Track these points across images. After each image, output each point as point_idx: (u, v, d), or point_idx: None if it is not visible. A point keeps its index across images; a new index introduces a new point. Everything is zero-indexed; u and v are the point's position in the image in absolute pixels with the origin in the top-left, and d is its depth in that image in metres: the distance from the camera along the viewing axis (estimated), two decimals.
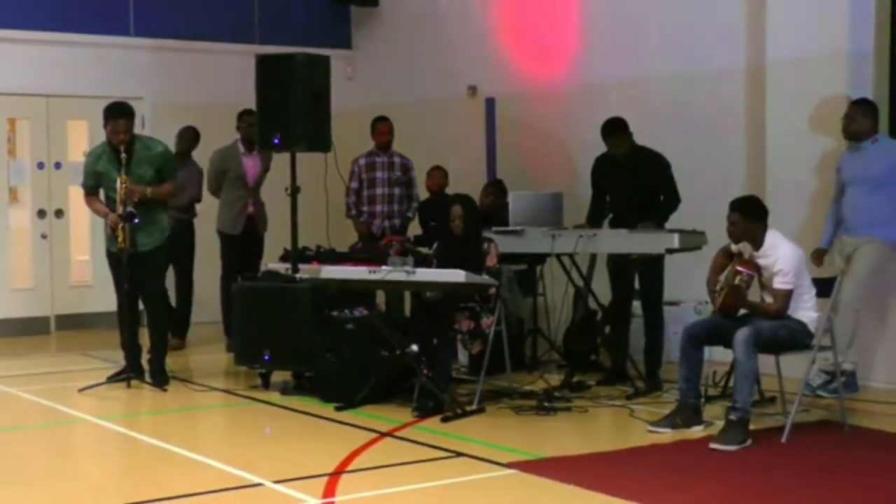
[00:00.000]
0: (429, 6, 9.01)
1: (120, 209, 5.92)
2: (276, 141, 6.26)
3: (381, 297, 6.95)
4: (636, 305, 6.23)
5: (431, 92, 8.93)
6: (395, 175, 7.42)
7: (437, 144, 8.63)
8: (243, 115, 7.41)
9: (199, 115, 8.51)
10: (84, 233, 9.03)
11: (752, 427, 4.82)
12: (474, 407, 5.50)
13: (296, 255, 6.40)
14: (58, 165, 8.94)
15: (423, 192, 7.95)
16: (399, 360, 5.63)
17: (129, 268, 6.05)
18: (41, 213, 8.89)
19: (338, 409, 5.60)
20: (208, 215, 7.85)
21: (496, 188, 7.44)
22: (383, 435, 5.01)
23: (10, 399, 6.11)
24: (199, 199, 7.71)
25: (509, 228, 6.41)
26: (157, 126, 8.64)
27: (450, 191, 7.53)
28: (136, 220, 5.93)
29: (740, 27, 6.74)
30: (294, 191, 6.31)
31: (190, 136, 7.68)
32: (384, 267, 5.67)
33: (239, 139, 7.54)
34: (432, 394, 5.48)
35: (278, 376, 6.34)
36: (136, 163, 6.05)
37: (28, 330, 8.70)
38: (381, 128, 7.41)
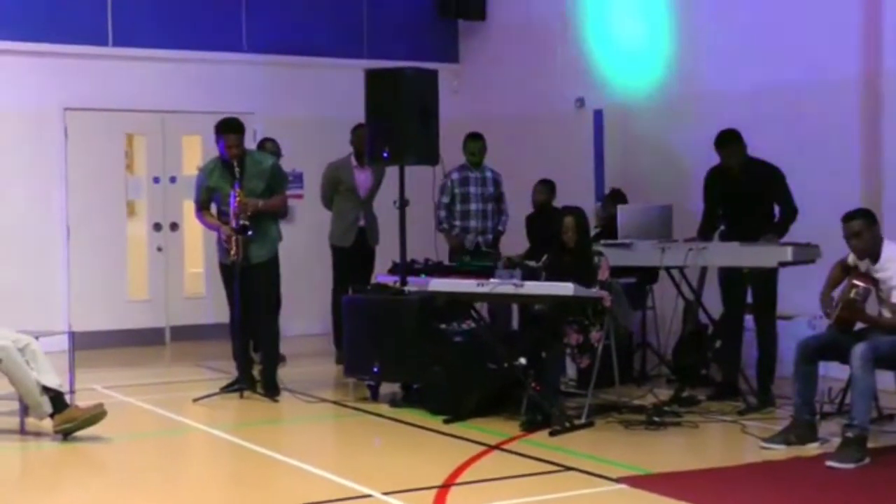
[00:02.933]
0: (536, 19, 8.96)
1: (233, 222, 5.99)
2: (385, 154, 6.29)
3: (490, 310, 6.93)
4: (748, 319, 6.12)
5: (538, 104, 8.89)
6: (487, 191, 7.39)
7: (544, 158, 8.59)
8: (356, 129, 7.33)
9: (309, 129, 8.69)
10: (197, 246, 9.08)
11: (869, 445, 4.72)
12: (583, 421, 5.44)
13: (404, 268, 6.40)
14: (173, 180, 9.05)
15: (528, 206, 7.93)
16: (507, 373, 5.59)
17: (242, 279, 6.11)
18: (157, 227, 9.01)
19: (446, 421, 5.58)
20: (322, 228, 7.85)
21: (613, 199, 7.38)
22: (491, 448, 4.98)
23: (128, 408, 6.20)
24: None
25: (618, 241, 6.37)
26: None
27: (557, 204, 7.51)
28: (251, 233, 5.99)
29: (856, 35, 6.62)
30: (402, 204, 6.31)
31: (270, 149, 7.58)
32: (492, 280, 5.67)
33: (352, 153, 7.59)
34: (540, 407, 5.44)
35: (387, 388, 6.33)
36: (248, 177, 6.11)
37: (144, 341, 8.81)
38: (473, 147, 7.41)
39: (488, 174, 7.43)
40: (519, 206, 7.91)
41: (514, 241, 7.73)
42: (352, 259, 7.45)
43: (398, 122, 6.21)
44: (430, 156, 6.39)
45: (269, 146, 7.46)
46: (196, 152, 8.95)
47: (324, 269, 7.81)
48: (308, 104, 9.15)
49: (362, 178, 7.53)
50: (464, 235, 7.32)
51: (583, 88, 8.50)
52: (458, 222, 7.33)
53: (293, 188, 8.64)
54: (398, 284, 6.35)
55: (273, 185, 6.27)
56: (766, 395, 5.89)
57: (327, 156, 7.85)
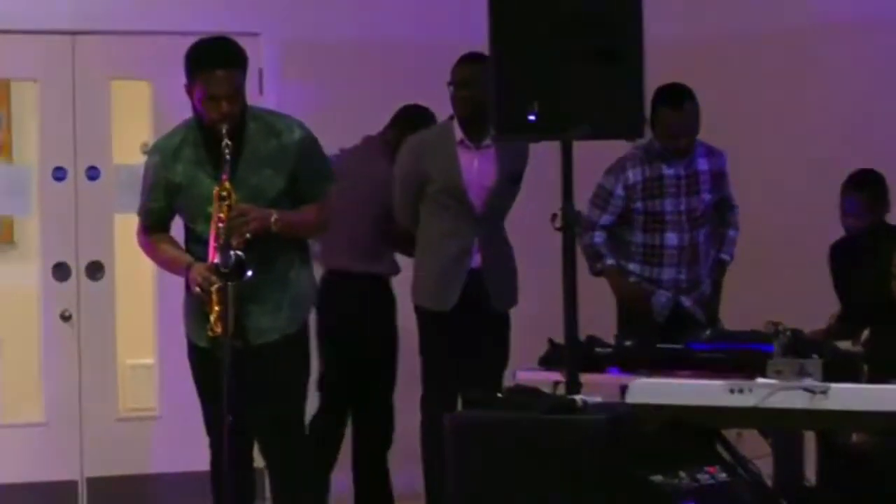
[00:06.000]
0: None
1: (215, 255, 5.03)
2: (531, 117, 5.28)
3: (755, 441, 5.87)
4: None
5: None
6: (700, 202, 6.55)
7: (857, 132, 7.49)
8: (463, 68, 6.31)
9: (369, 65, 7.42)
10: (145, 307, 7.70)
11: None
12: None
13: (574, 355, 5.40)
14: (93, 173, 7.48)
15: (825, 224, 6.81)
16: None
17: (236, 379, 5.11)
18: (59, 270, 7.45)
19: None
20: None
21: None
22: None
23: None
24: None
25: None
26: (288, 87, 7.47)
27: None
28: (250, 273, 4.98)
29: None
30: (570, 220, 5.37)
31: (395, 138, 6.54)
32: (760, 380, 5.01)
33: (452, 119, 6.45)
34: None
35: None
36: (251, 162, 5.13)
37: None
38: (675, 118, 6.46)
39: (700, 162, 6.52)
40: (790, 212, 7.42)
41: (782, 288, 7.22)
42: (460, 335, 6.41)
43: (557, 55, 5.34)
44: (625, 121, 5.39)
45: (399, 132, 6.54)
46: (141, 117, 7.59)
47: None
48: (362, 17, 7.74)
49: (477, 167, 6.48)
50: (649, 290, 6.59)
51: None
52: (636, 265, 6.58)
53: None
54: (562, 390, 5.55)
55: (302, 182, 5.30)
56: None
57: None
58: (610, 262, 6.64)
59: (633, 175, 6.55)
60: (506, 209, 6.66)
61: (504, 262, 6.63)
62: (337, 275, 6.98)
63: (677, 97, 6.57)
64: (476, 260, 6.48)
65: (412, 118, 7.01)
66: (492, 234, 6.64)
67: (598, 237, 6.60)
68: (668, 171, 6.53)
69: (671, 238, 6.57)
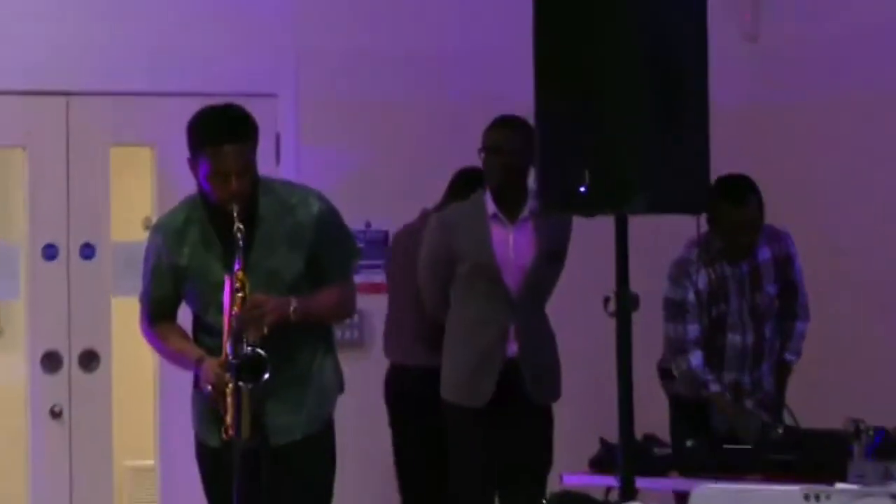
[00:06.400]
0: None
1: (228, 348, 5.01)
2: (582, 189, 5.37)
3: None
4: None
5: None
6: (764, 300, 6.68)
7: None
8: (496, 132, 6.36)
9: (394, 124, 7.41)
10: (145, 402, 7.60)
11: None
12: None
13: (628, 458, 5.38)
14: (87, 251, 7.39)
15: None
16: None
17: (251, 484, 5.13)
18: (49, 361, 7.37)
19: None
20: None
21: None
22: None
23: None
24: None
25: None
26: (308, 153, 7.49)
27: None
28: (266, 375, 4.94)
29: None
30: (625, 303, 5.48)
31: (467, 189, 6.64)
32: (839, 485, 4.84)
33: (484, 192, 6.54)
34: None
35: None
36: (265, 244, 5.10)
37: None
38: (737, 216, 6.56)
39: (762, 252, 6.50)
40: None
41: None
42: (496, 433, 6.46)
43: (612, 117, 5.34)
44: (687, 193, 5.42)
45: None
46: (143, 188, 7.54)
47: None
48: (390, 75, 7.71)
49: (512, 244, 6.45)
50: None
51: None
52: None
53: (369, 269, 7.24)
54: (616, 497, 5.60)
55: (323, 261, 5.26)
56: None
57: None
58: (715, 388, 6.45)
59: (698, 280, 6.51)
60: (546, 291, 6.53)
61: (545, 351, 6.50)
62: (401, 370, 6.97)
63: (739, 192, 6.44)
64: (512, 348, 6.37)
65: (472, 184, 6.98)
66: (531, 320, 6.48)
67: (696, 359, 6.44)
68: (728, 270, 6.49)
69: (734, 339, 6.52)
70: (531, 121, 5.80)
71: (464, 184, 6.90)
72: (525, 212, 6.26)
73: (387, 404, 7.13)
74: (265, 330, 5.04)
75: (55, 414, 7.38)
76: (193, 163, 5.14)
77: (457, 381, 6.43)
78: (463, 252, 6.39)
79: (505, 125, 6.38)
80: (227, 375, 5.01)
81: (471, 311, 6.43)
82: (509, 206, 6.37)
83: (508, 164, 6.27)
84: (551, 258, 6.43)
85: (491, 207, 6.38)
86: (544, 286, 6.47)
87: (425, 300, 6.62)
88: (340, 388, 5.41)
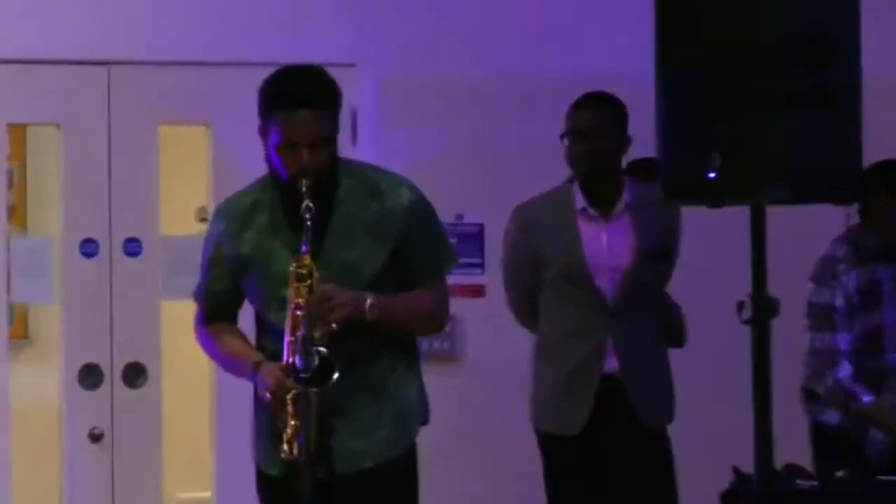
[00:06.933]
0: None
1: (288, 353, 5.06)
2: (710, 172, 5.36)
3: None
4: None
5: None
6: None
7: None
8: (585, 108, 6.48)
9: (489, 102, 7.55)
10: (199, 419, 7.69)
11: None
12: None
13: (768, 487, 5.35)
14: (132, 247, 7.51)
15: None
16: None
17: None
18: (88, 374, 7.41)
19: None
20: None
21: None
22: None
23: None
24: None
25: None
26: (390, 135, 7.43)
27: None
28: (335, 377, 5.00)
29: None
30: (762, 313, 5.43)
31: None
32: None
33: (572, 178, 6.60)
34: None
35: None
36: (343, 231, 5.17)
37: None
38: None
39: None
40: None
41: None
42: (598, 464, 6.56)
43: (746, 93, 5.30)
44: (835, 180, 5.37)
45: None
46: (197, 173, 7.57)
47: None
48: (489, 46, 7.83)
49: (606, 243, 6.49)
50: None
51: None
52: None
53: (466, 267, 7.39)
54: None
55: (410, 262, 5.30)
56: None
57: (539, 183, 6.60)
58: (869, 399, 6.42)
59: (847, 282, 6.50)
60: (652, 295, 6.44)
61: (652, 364, 6.38)
62: None
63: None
64: (611, 363, 6.26)
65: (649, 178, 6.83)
66: (632, 330, 6.37)
67: (844, 371, 6.42)
68: (884, 274, 6.51)
69: (893, 358, 6.56)
70: (651, 97, 5.90)
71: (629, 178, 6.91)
72: (621, 205, 6.20)
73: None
74: (334, 326, 5.01)
75: (95, 437, 7.34)
76: (263, 130, 5.07)
77: (546, 406, 6.33)
78: (548, 253, 6.29)
79: (591, 104, 6.27)
80: (289, 381, 5.03)
81: (559, 323, 6.35)
82: (601, 199, 6.25)
83: (597, 150, 6.17)
84: (655, 257, 6.31)
85: (580, 201, 6.27)
86: (648, 289, 6.35)
87: (513, 312, 6.59)
88: (424, 416, 5.28)
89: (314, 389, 4.88)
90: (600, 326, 6.21)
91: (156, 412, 7.57)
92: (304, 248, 4.92)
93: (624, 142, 6.20)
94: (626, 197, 6.20)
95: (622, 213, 6.25)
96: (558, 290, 6.27)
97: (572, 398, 6.25)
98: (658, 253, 6.33)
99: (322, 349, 4.87)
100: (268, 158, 5.10)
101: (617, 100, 6.33)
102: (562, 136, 6.37)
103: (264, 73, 5.31)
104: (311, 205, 4.92)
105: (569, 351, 6.30)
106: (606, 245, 6.25)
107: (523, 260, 6.37)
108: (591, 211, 6.23)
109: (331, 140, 5.07)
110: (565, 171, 6.50)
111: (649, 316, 6.44)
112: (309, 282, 4.92)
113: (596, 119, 6.28)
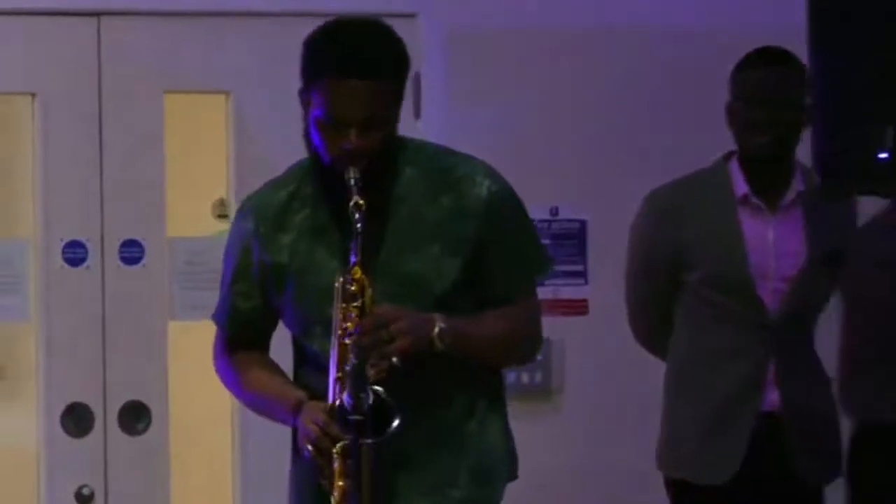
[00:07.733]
0: None
1: (335, 391, 5.03)
2: (884, 154, 6.08)
3: None
4: None
5: None
6: None
7: None
8: (750, 69, 6.56)
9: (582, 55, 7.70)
10: (217, 472, 7.76)
11: None
12: None
13: None
14: (129, 253, 7.59)
15: None
16: None
17: None
18: (75, 417, 7.61)
19: None
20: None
21: None
22: None
23: None
24: None
25: None
26: (460, 103, 7.48)
27: None
28: (395, 424, 5.01)
29: None
30: None
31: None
32: None
33: (730, 155, 6.66)
34: None
35: None
36: (405, 234, 5.14)
37: None
38: None
39: None
40: None
41: None
42: None
43: None
44: None
45: None
46: (215, 156, 7.51)
47: None
48: None
49: (773, 242, 6.55)
50: None
51: None
52: None
53: (564, 277, 7.57)
54: None
55: (492, 269, 5.21)
56: None
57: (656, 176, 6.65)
58: None
59: None
60: (817, 312, 6.35)
61: (819, 403, 6.28)
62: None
63: None
64: (771, 398, 6.17)
65: None
66: (797, 355, 6.39)
67: None
68: None
69: None
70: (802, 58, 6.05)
71: None
72: (791, 193, 6.07)
73: None
74: (394, 361, 5.11)
75: (83, 498, 7.22)
76: (305, 98, 4.83)
77: (683, 448, 6.20)
78: (695, 252, 6.15)
79: (769, 62, 6.12)
80: (336, 429, 5.03)
81: (704, 342, 6.19)
82: (768, 185, 6.10)
83: (781, 121, 6.05)
84: (829, 263, 6.19)
85: (741, 187, 6.10)
86: (817, 304, 6.28)
87: (631, 323, 6.47)
88: (512, 470, 5.07)
89: (368, 441, 4.81)
90: (759, 349, 6.19)
91: (161, 465, 7.43)
92: (353, 259, 4.81)
93: (807, 111, 6.02)
94: (796, 184, 6.06)
95: (792, 204, 6.18)
96: (704, 301, 6.24)
97: (721, 438, 6.23)
98: (833, 257, 6.28)
99: (378, 388, 4.75)
100: (306, 135, 4.93)
101: (795, 57, 6.23)
102: (727, 105, 6.26)
103: (300, 29, 5.02)
104: (360, 202, 4.74)
105: (717, 378, 6.26)
106: (773, 244, 6.27)
107: (658, 260, 6.30)
108: (754, 200, 6.17)
109: (389, 120, 4.87)
110: (705, 154, 6.51)
111: (812, 339, 6.34)
112: (360, 301, 4.70)
113: (783, 81, 6.18)
